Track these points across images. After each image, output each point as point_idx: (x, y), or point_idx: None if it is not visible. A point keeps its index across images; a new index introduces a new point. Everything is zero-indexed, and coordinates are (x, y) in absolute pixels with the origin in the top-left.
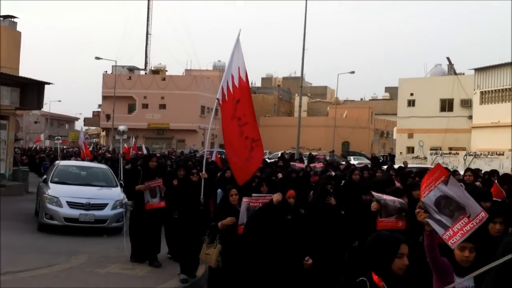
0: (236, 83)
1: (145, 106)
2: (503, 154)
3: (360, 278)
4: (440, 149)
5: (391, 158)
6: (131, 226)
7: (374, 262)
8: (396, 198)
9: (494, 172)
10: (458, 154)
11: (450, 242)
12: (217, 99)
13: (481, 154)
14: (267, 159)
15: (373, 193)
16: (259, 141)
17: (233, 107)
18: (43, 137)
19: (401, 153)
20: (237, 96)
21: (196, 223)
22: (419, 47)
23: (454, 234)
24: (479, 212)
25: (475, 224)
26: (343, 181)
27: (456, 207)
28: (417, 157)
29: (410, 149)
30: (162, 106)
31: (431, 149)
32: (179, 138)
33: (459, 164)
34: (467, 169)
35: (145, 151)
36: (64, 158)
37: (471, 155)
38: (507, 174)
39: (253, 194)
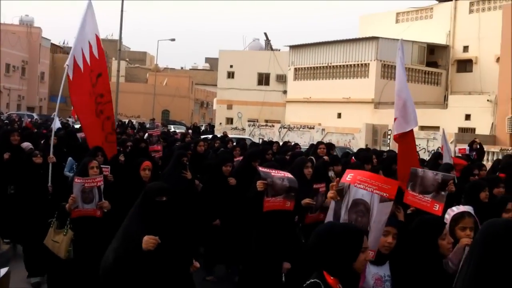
0: (95, 53)
1: None
2: (313, 128)
3: (312, 281)
4: (257, 121)
5: (211, 128)
6: None
7: (331, 260)
8: (286, 175)
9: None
10: (273, 126)
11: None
12: (67, 65)
13: (294, 127)
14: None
15: (260, 169)
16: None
17: (91, 81)
18: None
19: (220, 123)
20: (97, 69)
21: (40, 204)
22: (238, 21)
23: None
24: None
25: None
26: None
27: (363, 223)
28: (236, 128)
29: (229, 120)
30: None
31: (248, 121)
32: None
33: (274, 136)
34: (320, 142)
35: None
36: None
37: (285, 127)
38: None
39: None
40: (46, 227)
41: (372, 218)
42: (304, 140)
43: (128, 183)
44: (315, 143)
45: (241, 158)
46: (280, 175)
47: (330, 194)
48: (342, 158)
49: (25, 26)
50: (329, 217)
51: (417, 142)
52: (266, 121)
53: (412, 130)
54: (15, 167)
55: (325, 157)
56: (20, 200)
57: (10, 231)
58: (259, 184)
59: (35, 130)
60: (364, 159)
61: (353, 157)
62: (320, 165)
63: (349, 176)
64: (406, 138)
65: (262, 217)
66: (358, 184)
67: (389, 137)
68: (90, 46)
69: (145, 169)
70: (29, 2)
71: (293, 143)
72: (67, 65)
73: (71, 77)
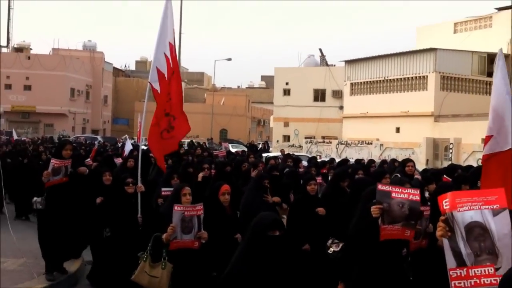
0: (177, 51)
1: (7, 86)
2: (371, 143)
3: None
4: (314, 137)
5: (268, 146)
6: (41, 230)
7: None
8: (408, 197)
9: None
10: (331, 142)
11: (454, 284)
12: (149, 82)
13: (351, 143)
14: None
15: (379, 187)
16: (178, 119)
17: (168, 85)
18: None
19: (277, 141)
20: (175, 68)
21: (133, 245)
22: (293, 38)
23: (466, 278)
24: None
25: (495, 282)
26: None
27: (489, 248)
28: (293, 145)
29: (286, 138)
30: (27, 87)
31: (305, 138)
32: (47, 122)
33: (331, 152)
34: (408, 160)
35: (15, 136)
36: None
37: (342, 144)
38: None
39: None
40: (133, 262)
41: (494, 237)
42: (362, 156)
43: (208, 209)
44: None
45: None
46: (401, 198)
47: (439, 232)
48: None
49: (88, 51)
50: (450, 261)
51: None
52: (323, 137)
53: (509, 150)
54: (110, 208)
55: (418, 177)
56: (117, 242)
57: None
58: (374, 210)
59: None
60: (463, 179)
61: (444, 176)
62: (417, 186)
63: (445, 203)
64: (500, 159)
65: (372, 247)
66: (460, 207)
67: (451, 151)
68: (171, 46)
69: (224, 193)
70: (92, 27)
71: (367, 160)
72: (150, 82)
73: (158, 90)
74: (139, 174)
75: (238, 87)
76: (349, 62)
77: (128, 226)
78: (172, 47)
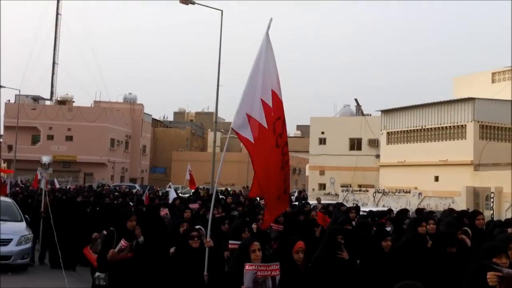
0: (279, 94)
1: (50, 137)
2: (409, 192)
3: None
4: (350, 186)
5: (303, 194)
6: None
7: None
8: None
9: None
10: (367, 191)
11: None
12: (231, 136)
13: (389, 192)
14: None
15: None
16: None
17: (274, 133)
18: None
19: (313, 189)
20: (278, 114)
21: None
22: (328, 88)
23: None
24: None
25: None
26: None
27: None
28: (329, 194)
29: (322, 186)
30: (69, 138)
31: (341, 186)
32: (87, 171)
33: (368, 200)
34: (478, 212)
35: (57, 185)
36: None
37: (380, 192)
38: None
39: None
40: None
41: None
42: (400, 205)
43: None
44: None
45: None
46: None
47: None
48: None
49: (128, 103)
50: None
51: None
52: (360, 186)
53: None
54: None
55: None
56: None
57: None
58: (491, 277)
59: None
60: None
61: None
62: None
63: None
64: None
65: None
66: None
67: (492, 200)
68: (273, 94)
69: (299, 251)
70: (132, 81)
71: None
72: (231, 136)
73: (251, 140)
74: (209, 227)
75: None
76: (385, 111)
77: (193, 285)
78: (274, 94)
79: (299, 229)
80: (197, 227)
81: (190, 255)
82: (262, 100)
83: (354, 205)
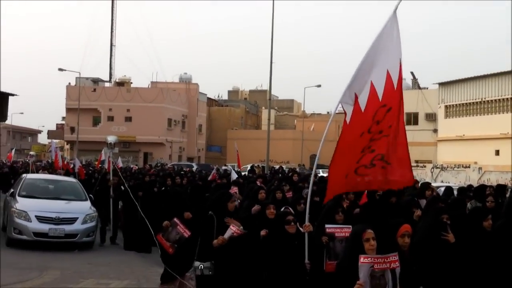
0: (395, 82)
1: (110, 118)
2: (469, 167)
3: None
4: None
5: None
6: None
7: None
8: (344, 234)
9: None
10: (425, 167)
11: None
12: (341, 106)
13: (447, 167)
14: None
15: None
16: (403, 163)
17: (373, 120)
18: (13, 153)
19: None
20: (389, 103)
21: None
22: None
23: None
24: None
25: None
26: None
27: None
28: None
29: None
30: (128, 119)
31: None
32: (146, 151)
33: (426, 176)
34: None
35: (120, 165)
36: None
37: (438, 167)
38: None
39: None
40: None
41: None
42: (459, 180)
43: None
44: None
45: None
46: None
47: None
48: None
49: (184, 83)
50: None
51: None
52: (417, 161)
53: None
54: (271, 249)
55: None
56: None
57: None
58: None
59: (223, 181)
60: None
61: None
62: None
63: None
64: None
65: None
66: None
67: None
68: (388, 76)
69: (405, 235)
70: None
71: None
72: (340, 110)
73: (348, 121)
74: (307, 210)
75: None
76: (443, 84)
77: (292, 273)
78: (389, 77)
79: (391, 212)
80: (283, 209)
81: (287, 242)
82: (371, 83)
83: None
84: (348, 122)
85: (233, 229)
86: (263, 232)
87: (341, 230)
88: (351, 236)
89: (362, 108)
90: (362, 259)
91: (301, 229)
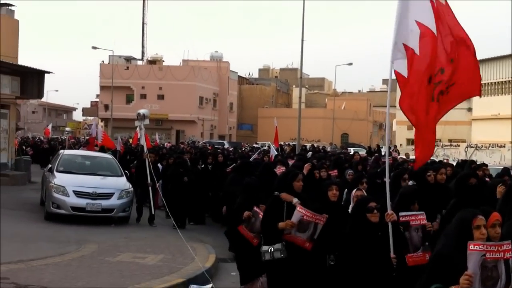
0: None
1: (143, 96)
2: (504, 146)
3: None
4: (440, 141)
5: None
6: None
7: None
8: (419, 221)
9: None
10: (459, 146)
11: None
12: (392, 62)
13: (482, 146)
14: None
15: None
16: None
17: (432, 59)
18: (50, 128)
19: (401, 145)
20: (444, 31)
21: None
22: None
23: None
24: None
25: None
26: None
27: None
28: None
29: (410, 141)
30: (160, 97)
31: None
32: (178, 128)
33: (460, 156)
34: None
35: (158, 141)
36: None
37: (472, 147)
38: None
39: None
40: None
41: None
42: (494, 160)
43: None
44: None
45: None
46: (415, 224)
47: None
48: None
49: (215, 62)
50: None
51: None
52: (450, 140)
53: None
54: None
55: None
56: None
57: None
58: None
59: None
60: None
61: None
62: None
63: None
64: None
65: None
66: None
67: None
68: (432, 2)
69: (495, 224)
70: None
71: None
72: (394, 61)
73: (404, 74)
74: (388, 197)
75: (359, 91)
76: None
77: (378, 271)
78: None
79: (472, 196)
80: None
81: (369, 232)
82: (417, 23)
83: (460, 161)
84: (407, 76)
85: (302, 211)
86: (294, 200)
87: (416, 218)
88: (458, 221)
89: (417, 51)
90: (472, 246)
91: None
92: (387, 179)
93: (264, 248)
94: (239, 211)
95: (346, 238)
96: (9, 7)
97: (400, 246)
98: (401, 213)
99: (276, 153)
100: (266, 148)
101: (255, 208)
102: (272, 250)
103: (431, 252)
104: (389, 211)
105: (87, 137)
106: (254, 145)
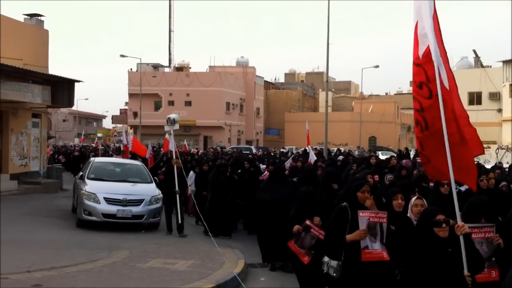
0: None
1: (171, 103)
2: None
3: None
4: None
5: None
6: None
7: None
8: (484, 234)
9: None
10: (489, 147)
11: None
12: (437, 67)
13: None
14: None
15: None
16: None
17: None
18: (83, 136)
19: None
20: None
21: None
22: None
23: None
24: None
25: None
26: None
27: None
28: None
29: None
30: (188, 103)
31: None
32: (206, 134)
33: (491, 157)
34: None
35: (187, 147)
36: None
37: (503, 148)
38: None
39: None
40: None
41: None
42: None
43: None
44: None
45: None
46: (480, 236)
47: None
48: None
49: (241, 67)
50: None
51: None
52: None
53: None
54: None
55: None
56: None
57: None
58: None
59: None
60: None
61: None
62: None
63: None
64: None
65: None
66: None
67: None
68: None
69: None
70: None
71: None
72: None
73: (447, 86)
74: (456, 206)
75: (386, 94)
76: (507, 62)
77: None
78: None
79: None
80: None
81: (438, 249)
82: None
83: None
84: (448, 87)
85: (365, 214)
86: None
87: (480, 230)
88: None
89: (447, 84)
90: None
91: None
92: (453, 186)
93: (325, 259)
94: (293, 223)
95: (411, 255)
96: (39, 17)
97: (474, 263)
98: (469, 224)
99: (316, 158)
100: (295, 152)
101: (308, 222)
102: (329, 264)
103: (498, 268)
104: (459, 222)
105: (117, 145)
106: (282, 149)
